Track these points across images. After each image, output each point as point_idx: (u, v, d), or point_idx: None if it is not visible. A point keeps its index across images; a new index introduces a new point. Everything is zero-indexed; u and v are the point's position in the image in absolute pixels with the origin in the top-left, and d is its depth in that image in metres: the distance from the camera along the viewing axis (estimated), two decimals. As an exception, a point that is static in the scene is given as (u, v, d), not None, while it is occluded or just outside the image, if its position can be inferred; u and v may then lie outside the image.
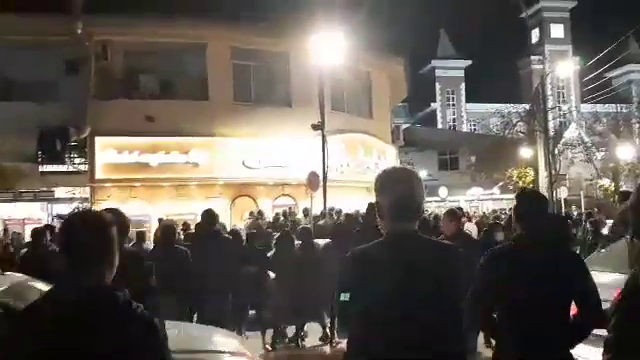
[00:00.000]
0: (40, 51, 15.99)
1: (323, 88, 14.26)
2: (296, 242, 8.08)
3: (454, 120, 65.90)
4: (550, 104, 33.86)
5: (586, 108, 45.86)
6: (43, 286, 4.56)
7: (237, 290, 7.43)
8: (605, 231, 10.31)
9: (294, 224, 12.39)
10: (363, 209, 16.04)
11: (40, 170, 16.54)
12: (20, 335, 1.93)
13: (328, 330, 7.98)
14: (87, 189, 16.54)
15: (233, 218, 15.95)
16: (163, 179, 16.41)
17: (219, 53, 17.27)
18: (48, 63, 16.11)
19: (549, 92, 37.41)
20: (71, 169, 17.00)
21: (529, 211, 3.03)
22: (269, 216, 14.90)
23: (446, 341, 2.18)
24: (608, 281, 4.08)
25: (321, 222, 11.52)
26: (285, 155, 17.00)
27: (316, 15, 14.35)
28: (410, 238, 2.28)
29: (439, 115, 65.60)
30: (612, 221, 9.97)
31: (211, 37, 17.09)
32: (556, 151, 31.37)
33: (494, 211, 25.10)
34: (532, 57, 62.36)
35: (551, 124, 30.27)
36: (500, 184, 35.04)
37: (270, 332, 7.91)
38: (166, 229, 7.39)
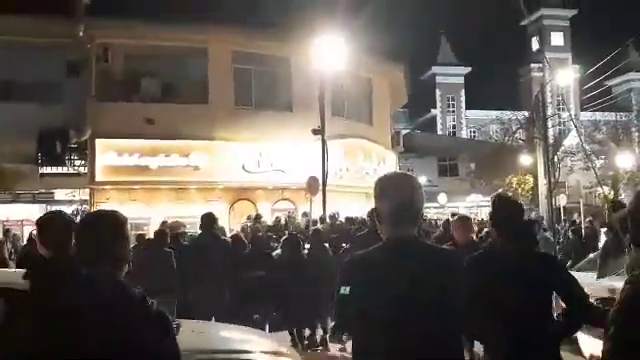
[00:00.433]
0: (41, 53, 16.00)
1: (324, 93, 14.29)
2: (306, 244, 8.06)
3: (454, 126, 65.95)
4: (550, 112, 33.91)
5: (586, 116, 45.94)
6: None
7: (236, 293, 7.44)
8: (603, 238, 10.38)
9: (296, 228, 12.42)
10: (361, 214, 16.12)
11: (40, 172, 16.54)
12: (36, 329, 2.00)
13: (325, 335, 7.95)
14: (87, 191, 16.54)
15: (232, 222, 15.94)
16: (163, 182, 16.41)
17: (220, 57, 17.30)
18: (49, 65, 16.10)
19: (549, 100, 37.47)
20: (71, 171, 17.00)
21: (504, 217, 3.11)
22: (268, 220, 14.90)
23: (445, 348, 2.17)
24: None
25: (320, 226, 11.50)
26: (285, 159, 17.02)
27: (318, 20, 14.39)
28: (409, 243, 2.28)
29: (439, 121, 65.66)
30: (604, 229, 10.02)
31: (212, 41, 17.13)
32: (555, 159, 31.39)
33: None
34: (532, 65, 62.52)
35: (550, 132, 30.29)
36: (499, 191, 35.02)
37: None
38: (159, 232, 7.58)
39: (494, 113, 43.93)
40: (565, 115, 47.67)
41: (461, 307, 2.20)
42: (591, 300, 3.10)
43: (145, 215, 16.09)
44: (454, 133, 64.37)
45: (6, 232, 14.53)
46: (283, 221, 14.40)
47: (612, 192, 33.66)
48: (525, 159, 31.55)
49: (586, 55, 45.78)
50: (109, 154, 15.88)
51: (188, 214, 15.43)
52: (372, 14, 20.17)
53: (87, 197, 16.50)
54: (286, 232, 11.71)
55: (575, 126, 28.28)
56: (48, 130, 15.73)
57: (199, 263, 6.88)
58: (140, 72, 16.95)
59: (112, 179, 16.04)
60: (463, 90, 66.45)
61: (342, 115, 19.41)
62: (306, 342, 8.05)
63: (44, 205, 17.56)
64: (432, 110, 66.06)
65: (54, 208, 17.04)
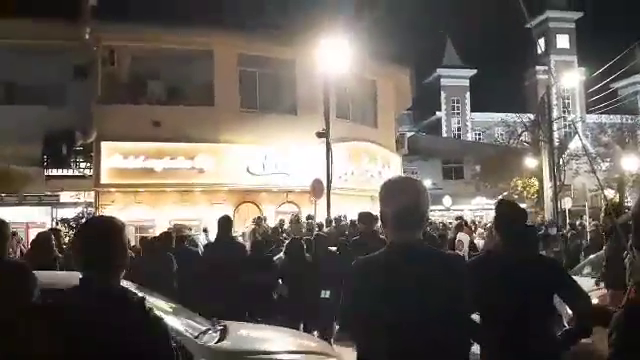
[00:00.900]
0: (48, 56, 16.07)
1: (328, 96, 14.31)
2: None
3: (459, 129, 65.86)
4: (555, 114, 33.84)
5: (591, 119, 45.81)
6: None
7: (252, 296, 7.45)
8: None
9: (295, 232, 12.42)
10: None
11: (45, 174, 16.60)
12: (39, 335, 2.02)
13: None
14: (92, 194, 16.60)
15: (237, 224, 15.97)
16: (168, 184, 16.45)
17: (226, 60, 17.36)
18: (55, 68, 16.16)
19: (554, 102, 37.41)
20: (76, 173, 17.05)
21: (506, 221, 3.13)
22: (272, 223, 14.90)
23: (450, 352, 2.18)
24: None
25: (325, 230, 11.49)
26: (290, 162, 17.05)
27: (322, 23, 14.43)
28: (414, 248, 2.28)
29: (444, 124, 65.58)
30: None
31: (218, 44, 17.18)
32: (561, 161, 31.30)
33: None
34: (537, 67, 62.36)
35: (556, 134, 30.22)
36: (505, 194, 34.97)
37: None
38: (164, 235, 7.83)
39: (499, 115, 43.81)
40: (570, 118, 47.58)
41: (466, 311, 2.20)
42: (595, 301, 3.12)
43: (150, 217, 16.18)
44: (459, 136, 64.26)
45: (13, 235, 14.52)
46: (287, 225, 14.40)
47: (618, 195, 33.50)
48: (530, 162, 31.47)
49: (592, 57, 45.61)
50: (115, 156, 15.94)
51: (193, 216, 15.50)
52: (376, 16, 20.20)
53: (92, 200, 16.56)
54: (283, 235, 11.74)
55: (577, 131, 28.17)
56: (54, 133, 15.80)
57: (216, 266, 6.93)
58: (146, 75, 17.04)
59: (118, 181, 16.10)
60: (468, 92, 66.37)
61: (347, 118, 19.43)
62: None
63: (50, 208, 17.63)
64: (437, 112, 65.97)
65: (60, 211, 17.18)
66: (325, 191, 13.61)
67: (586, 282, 7.57)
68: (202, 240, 12.45)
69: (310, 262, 7.66)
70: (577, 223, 19.01)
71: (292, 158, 17.02)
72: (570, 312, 3.07)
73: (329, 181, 13.81)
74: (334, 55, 13.54)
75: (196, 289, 7.03)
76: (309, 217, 14.07)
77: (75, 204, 17.11)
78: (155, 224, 15.85)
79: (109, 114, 15.82)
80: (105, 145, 15.95)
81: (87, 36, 15.87)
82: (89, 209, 16.12)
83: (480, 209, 35.81)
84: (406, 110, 38.84)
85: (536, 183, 31.68)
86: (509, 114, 38.78)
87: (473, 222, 18.63)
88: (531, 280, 2.93)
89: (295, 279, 7.49)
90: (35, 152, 15.78)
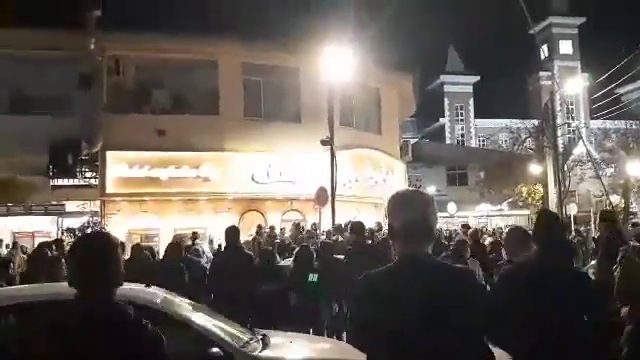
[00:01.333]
0: (53, 65, 16.19)
1: (332, 104, 14.34)
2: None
3: (462, 135, 65.75)
4: (559, 120, 33.79)
5: (595, 124, 45.67)
6: None
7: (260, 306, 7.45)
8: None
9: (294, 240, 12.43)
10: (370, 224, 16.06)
11: (51, 184, 16.66)
12: (38, 350, 2.04)
13: None
14: (98, 203, 16.65)
15: (242, 233, 15.96)
16: (173, 193, 16.50)
17: (230, 68, 17.44)
18: (61, 77, 16.28)
19: (558, 108, 37.34)
20: (82, 183, 17.11)
21: (546, 232, 3.12)
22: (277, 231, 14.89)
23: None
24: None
25: (334, 238, 11.45)
26: (294, 170, 17.07)
27: (326, 31, 14.48)
28: (422, 261, 2.27)
29: (447, 130, 65.46)
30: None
31: (222, 53, 17.27)
32: (565, 167, 31.20)
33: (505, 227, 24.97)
34: (541, 73, 62.26)
35: (560, 140, 30.16)
36: (509, 200, 34.88)
37: None
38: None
39: (503, 122, 43.71)
40: (575, 124, 47.48)
41: (476, 324, 2.19)
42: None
43: (155, 226, 16.20)
44: (463, 142, 64.13)
45: (14, 244, 14.53)
46: (288, 233, 14.40)
47: (623, 201, 33.39)
48: (535, 168, 31.38)
49: (595, 63, 45.59)
50: (120, 166, 16.01)
51: (198, 225, 15.51)
52: (380, 24, 20.25)
53: (98, 209, 16.60)
54: (285, 242, 11.73)
55: (581, 137, 28.10)
56: (59, 142, 15.88)
57: (223, 276, 6.96)
58: (150, 84, 17.13)
59: (123, 191, 16.15)
60: (472, 99, 66.28)
61: (351, 125, 19.46)
62: None
63: (56, 217, 17.68)
64: (440, 119, 65.88)
65: (66, 220, 17.23)
66: (330, 199, 13.61)
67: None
68: (207, 250, 12.45)
69: (319, 270, 7.64)
70: (582, 229, 18.96)
71: (296, 166, 17.04)
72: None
73: (333, 189, 13.81)
74: (338, 63, 13.57)
75: (201, 298, 7.06)
76: (314, 225, 14.05)
77: (81, 213, 17.15)
78: (160, 233, 15.88)
79: (114, 123, 15.90)
80: (110, 154, 16.01)
81: (92, 46, 15.98)
82: (95, 218, 16.17)
83: (485, 216, 35.72)
84: (410, 117, 38.83)
85: (541, 189, 31.57)
86: (513, 120, 38.70)
87: (480, 230, 18.43)
88: (565, 290, 2.93)
89: (304, 286, 7.49)
90: (41, 162, 15.86)
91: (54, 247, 9.22)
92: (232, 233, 7.76)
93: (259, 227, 14.51)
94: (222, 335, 4.61)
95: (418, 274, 2.22)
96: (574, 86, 37.87)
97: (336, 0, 19.09)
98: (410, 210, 2.31)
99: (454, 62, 66.62)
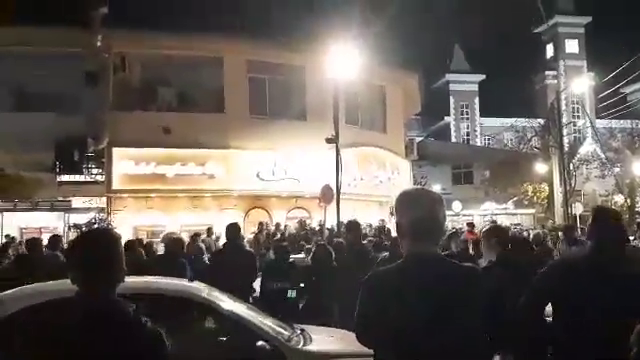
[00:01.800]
0: (59, 63, 16.26)
1: (338, 102, 14.34)
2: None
3: (468, 134, 65.59)
4: (565, 119, 33.66)
5: (601, 124, 45.48)
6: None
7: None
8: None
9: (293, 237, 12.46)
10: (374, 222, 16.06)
11: (58, 180, 16.74)
12: (39, 345, 2.07)
13: None
14: (104, 199, 16.73)
15: (247, 230, 16.03)
16: (179, 190, 16.55)
17: (235, 66, 17.46)
18: (67, 75, 16.36)
19: (564, 107, 37.22)
20: (88, 179, 17.20)
21: (602, 228, 3.11)
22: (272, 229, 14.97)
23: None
24: None
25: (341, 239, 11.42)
26: (299, 168, 17.10)
27: (332, 29, 14.47)
28: (429, 259, 2.27)
29: (453, 129, 65.31)
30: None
31: (228, 50, 17.29)
32: (571, 166, 31.11)
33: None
34: (547, 72, 62.03)
35: (566, 139, 30.06)
36: (514, 199, 34.80)
37: None
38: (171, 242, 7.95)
39: (508, 120, 43.55)
40: (580, 123, 47.30)
41: (483, 325, 2.19)
42: None
43: (161, 223, 16.26)
44: (468, 141, 63.98)
45: (12, 240, 14.22)
46: (293, 230, 14.43)
47: (629, 200, 33.30)
48: (540, 167, 31.30)
49: (601, 62, 45.40)
50: (126, 162, 16.06)
51: (204, 222, 15.56)
52: (385, 23, 20.24)
53: (104, 205, 16.68)
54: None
55: (595, 133, 27.95)
56: (66, 139, 15.97)
57: (223, 274, 6.95)
58: (156, 81, 17.18)
59: (129, 187, 16.21)
60: (477, 97, 66.11)
61: (356, 123, 19.45)
62: None
63: (62, 213, 17.78)
64: (446, 118, 65.73)
65: (72, 216, 17.33)
66: (335, 197, 13.62)
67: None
68: (212, 246, 12.48)
69: (336, 268, 7.57)
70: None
71: (302, 164, 17.06)
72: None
73: (338, 187, 13.82)
74: (343, 61, 13.56)
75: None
76: (320, 223, 14.09)
77: (87, 209, 17.24)
78: (166, 229, 15.93)
79: (120, 120, 15.96)
80: (117, 151, 16.07)
81: (98, 43, 16.05)
82: (101, 214, 16.24)
83: (490, 214, 35.65)
84: (415, 115, 38.74)
85: (546, 188, 31.48)
86: (518, 119, 38.60)
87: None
88: (623, 284, 2.90)
89: (319, 284, 7.46)
90: (47, 158, 15.95)
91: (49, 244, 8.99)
92: (232, 229, 7.74)
93: (260, 224, 14.55)
94: (267, 329, 4.66)
95: (426, 272, 2.22)
96: (580, 85, 37.70)
97: (342, -2, 19.11)
98: (418, 208, 2.31)
99: (459, 61, 66.44)
